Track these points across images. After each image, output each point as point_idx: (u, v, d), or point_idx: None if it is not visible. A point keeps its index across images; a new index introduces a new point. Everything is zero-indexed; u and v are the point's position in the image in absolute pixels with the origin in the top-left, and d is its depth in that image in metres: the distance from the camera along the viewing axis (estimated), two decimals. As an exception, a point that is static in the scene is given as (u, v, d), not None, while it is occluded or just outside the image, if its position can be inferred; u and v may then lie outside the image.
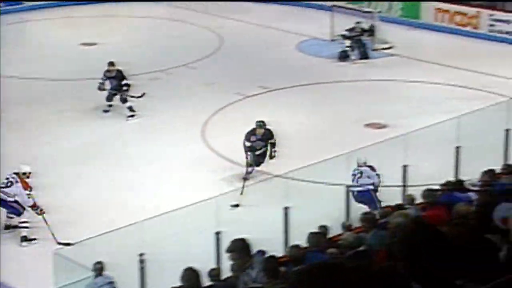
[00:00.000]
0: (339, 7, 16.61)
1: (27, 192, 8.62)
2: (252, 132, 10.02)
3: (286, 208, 7.87)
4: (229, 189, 9.24)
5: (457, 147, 9.34)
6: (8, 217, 8.81)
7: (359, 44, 15.28)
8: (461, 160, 9.27)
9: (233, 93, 13.12)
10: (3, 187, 8.66)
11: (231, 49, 16.31)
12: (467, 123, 9.54)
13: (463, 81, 13.58)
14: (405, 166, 8.81)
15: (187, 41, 17.09)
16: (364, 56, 15.25)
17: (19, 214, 8.67)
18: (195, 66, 15.08)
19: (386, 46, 15.98)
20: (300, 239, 6.51)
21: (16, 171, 8.78)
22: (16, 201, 8.63)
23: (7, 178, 8.70)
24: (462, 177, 8.26)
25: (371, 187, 8.66)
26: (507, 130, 9.72)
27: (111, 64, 12.07)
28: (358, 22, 15.50)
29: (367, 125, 11.68)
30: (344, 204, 8.54)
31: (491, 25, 15.76)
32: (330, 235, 7.03)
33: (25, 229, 8.58)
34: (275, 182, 8.94)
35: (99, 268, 6.82)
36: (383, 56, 15.61)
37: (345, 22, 15.62)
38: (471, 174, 7.85)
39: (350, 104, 12.69)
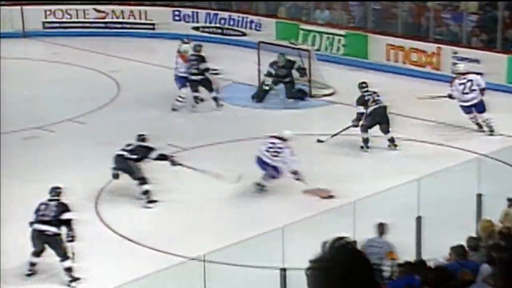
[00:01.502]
0: (267, 43, 17.14)
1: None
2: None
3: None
4: None
5: (418, 218, 9.65)
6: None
7: (288, 80, 15.65)
8: (424, 233, 9.57)
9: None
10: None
11: (131, 99, 16.45)
12: (429, 186, 9.88)
13: (422, 134, 14.10)
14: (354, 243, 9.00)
15: (73, 88, 17.14)
16: (295, 95, 15.63)
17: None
18: (84, 121, 15.07)
19: (326, 92, 16.50)
20: None
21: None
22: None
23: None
24: (425, 255, 8.53)
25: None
26: (479, 196, 10.11)
27: None
28: (281, 54, 15.92)
29: (307, 192, 11.89)
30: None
31: (455, 64, 16.42)
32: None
33: None
34: (191, 266, 8.94)
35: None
36: (322, 104, 16.09)
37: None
38: (435, 251, 8.13)
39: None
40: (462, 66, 15.10)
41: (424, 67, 17.61)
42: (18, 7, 21.73)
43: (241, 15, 20.77)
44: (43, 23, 21.99)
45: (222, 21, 20.99)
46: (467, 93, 14.11)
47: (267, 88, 15.91)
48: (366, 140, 13.53)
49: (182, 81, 15.71)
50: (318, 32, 19.10)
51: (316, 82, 16.58)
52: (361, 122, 13.50)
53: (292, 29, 19.36)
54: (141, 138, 12.00)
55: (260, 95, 16.07)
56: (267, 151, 11.93)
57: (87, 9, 22.01)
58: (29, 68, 19.28)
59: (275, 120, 15.02)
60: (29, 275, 10.05)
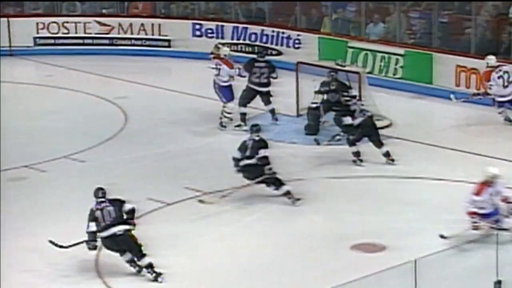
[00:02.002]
0: (307, 64, 17.28)
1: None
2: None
3: None
4: None
5: (498, 282, 9.55)
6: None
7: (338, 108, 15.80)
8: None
9: (145, 200, 13.28)
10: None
11: (140, 131, 16.61)
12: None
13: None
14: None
15: (70, 119, 17.36)
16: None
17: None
18: (83, 158, 15.24)
19: (381, 124, 16.51)
20: None
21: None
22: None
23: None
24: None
25: None
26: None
27: None
28: (333, 73, 16.19)
29: (355, 247, 11.93)
30: None
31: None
32: None
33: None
34: None
35: None
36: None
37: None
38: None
39: (327, 215, 12.96)
40: (493, 58, 16.44)
41: (503, 94, 17.64)
42: (5, 19, 22.14)
43: (276, 29, 20.93)
44: (35, 38, 22.38)
45: (253, 37, 21.17)
46: (506, 86, 16.01)
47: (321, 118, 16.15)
48: (357, 154, 14.64)
49: (227, 93, 16.28)
50: (371, 50, 19.19)
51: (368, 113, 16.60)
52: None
53: (338, 46, 19.48)
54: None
55: (313, 127, 16.18)
56: None
57: (88, 22, 22.35)
58: (17, 94, 19.58)
59: (320, 158, 15.08)
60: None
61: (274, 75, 16.77)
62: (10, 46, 22.16)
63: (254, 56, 17.56)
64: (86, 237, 11.22)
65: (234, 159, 13.36)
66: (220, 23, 21.67)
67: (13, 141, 16.08)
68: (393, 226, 12.43)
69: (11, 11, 22.71)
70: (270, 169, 13.18)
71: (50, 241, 11.40)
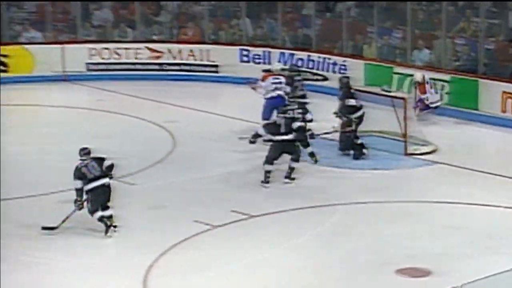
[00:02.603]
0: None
1: None
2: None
3: None
4: None
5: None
6: None
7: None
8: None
9: (192, 222, 13.34)
10: None
11: (189, 155, 16.71)
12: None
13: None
14: None
15: (121, 142, 17.51)
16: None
17: None
18: (133, 181, 15.38)
19: (426, 149, 16.48)
20: None
21: None
22: None
23: None
24: None
25: None
26: None
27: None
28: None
29: (400, 271, 11.87)
30: None
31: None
32: None
33: None
34: None
35: None
36: (420, 164, 16.08)
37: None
38: None
39: (371, 239, 12.93)
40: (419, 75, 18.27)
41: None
42: (59, 46, 22.45)
43: (322, 55, 20.98)
44: (87, 64, 22.65)
45: (300, 63, 21.24)
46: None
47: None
48: (268, 172, 14.72)
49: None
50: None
51: (413, 138, 16.58)
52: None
53: (384, 72, 19.47)
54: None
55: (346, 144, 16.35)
56: None
57: (139, 48, 22.58)
58: (69, 118, 19.79)
59: (360, 182, 15.09)
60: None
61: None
62: (63, 72, 22.44)
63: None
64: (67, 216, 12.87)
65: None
66: (267, 49, 21.77)
67: (67, 164, 16.23)
68: (438, 251, 12.35)
69: (65, 38, 23.01)
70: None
71: (43, 228, 12.96)
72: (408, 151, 16.38)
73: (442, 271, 11.68)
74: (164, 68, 22.54)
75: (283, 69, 17.69)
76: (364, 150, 16.16)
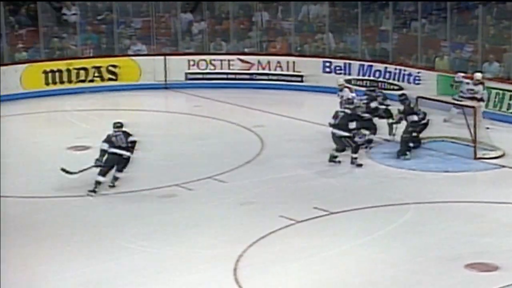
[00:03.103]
0: (426, 98, 16.98)
1: None
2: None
3: None
4: None
5: None
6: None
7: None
8: None
9: (277, 217, 13.28)
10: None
11: (275, 156, 16.66)
12: None
13: None
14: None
15: (214, 144, 17.57)
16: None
17: None
18: (225, 179, 15.39)
19: (494, 154, 16.12)
20: None
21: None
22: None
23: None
24: None
25: None
26: None
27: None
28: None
29: (469, 266, 11.61)
30: None
31: None
32: None
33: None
34: None
35: None
36: (488, 168, 15.72)
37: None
38: None
39: (442, 236, 12.67)
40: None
41: None
42: (162, 57, 22.71)
43: (398, 67, 20.74)
44: (186, 74, 22.82)
45: (377, 74, 21.03)
46: None
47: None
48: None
49: None
50: (487, 87, 18.75)
51: (482, 143, 16.24)
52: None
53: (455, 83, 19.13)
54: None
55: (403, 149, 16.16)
56: None
57: (231, 60, 22.66)
58: (170, 122, 19.98)
59: (431, 183, 14.80)
60: (92, 191, 14.07)
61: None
62: (165, 81, 22.68)
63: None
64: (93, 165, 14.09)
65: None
66: (347, 61, 21.63)
67: (167, 162, 16.37)
68: (504, 248, 12.04)
69: (167, 50, 23.26)
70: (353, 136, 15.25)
71: (62, 169, 14.21)
72: (477, 156, 16.03)
73: (510, 266, 11.37)
74: (254, 78, 22.56)
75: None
76: (408, 153, 15.94)
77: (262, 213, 13.62)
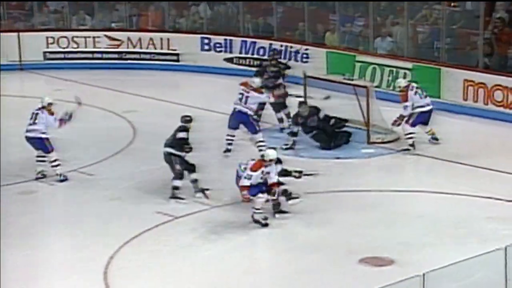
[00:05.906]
0: (315, 78, 17.29)
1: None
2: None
3: None
4: None
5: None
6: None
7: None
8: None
9: (153, 213, 13.32)
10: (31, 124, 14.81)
11: (150, 145, 16.62)
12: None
13: (510, 192, 14.07)
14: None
15: (79, 132, 17.38)
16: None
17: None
18: (92, 172, 15.29)
19: (388, 138, 16.52)
20: None
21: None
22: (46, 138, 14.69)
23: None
24: None
25: None
26: None
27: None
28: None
29: (363, 261, 11.91)
30: None
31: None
32: None
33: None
34: None
35: None
36: (382, 153, 16.12)
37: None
38: None
39: (334, 229, 12.95)
40: (402, 81, 16.53)
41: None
42: (15, 34, 22.23)
43: (284, 43, 20.96)
44: (44, 53, 22.47)
45: (261, 51, 21.20)
46: (425, 97, 16.13)
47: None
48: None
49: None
50: (379, 64, 19.21)
51: (376, 126, 16.63)
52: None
53: (346, 60, 19.50)
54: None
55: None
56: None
57: (97, 37, 22.43)
58: (25, 107, 19.57)
59: (328, 171, 15.08)
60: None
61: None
62: (20, 61, 22.26)
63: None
64: None
65: None
66: (228, 37, 21.70)
67: (26, 154, 16.10)
68: (401, 240, 12.38)
69: (21, 26, 22.79)
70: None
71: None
72: (371, 140, 16.41)
73: (405, 260, 11.69)
74: (124, 57, 22.43)
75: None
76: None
77: (135, 209, 13.60)
